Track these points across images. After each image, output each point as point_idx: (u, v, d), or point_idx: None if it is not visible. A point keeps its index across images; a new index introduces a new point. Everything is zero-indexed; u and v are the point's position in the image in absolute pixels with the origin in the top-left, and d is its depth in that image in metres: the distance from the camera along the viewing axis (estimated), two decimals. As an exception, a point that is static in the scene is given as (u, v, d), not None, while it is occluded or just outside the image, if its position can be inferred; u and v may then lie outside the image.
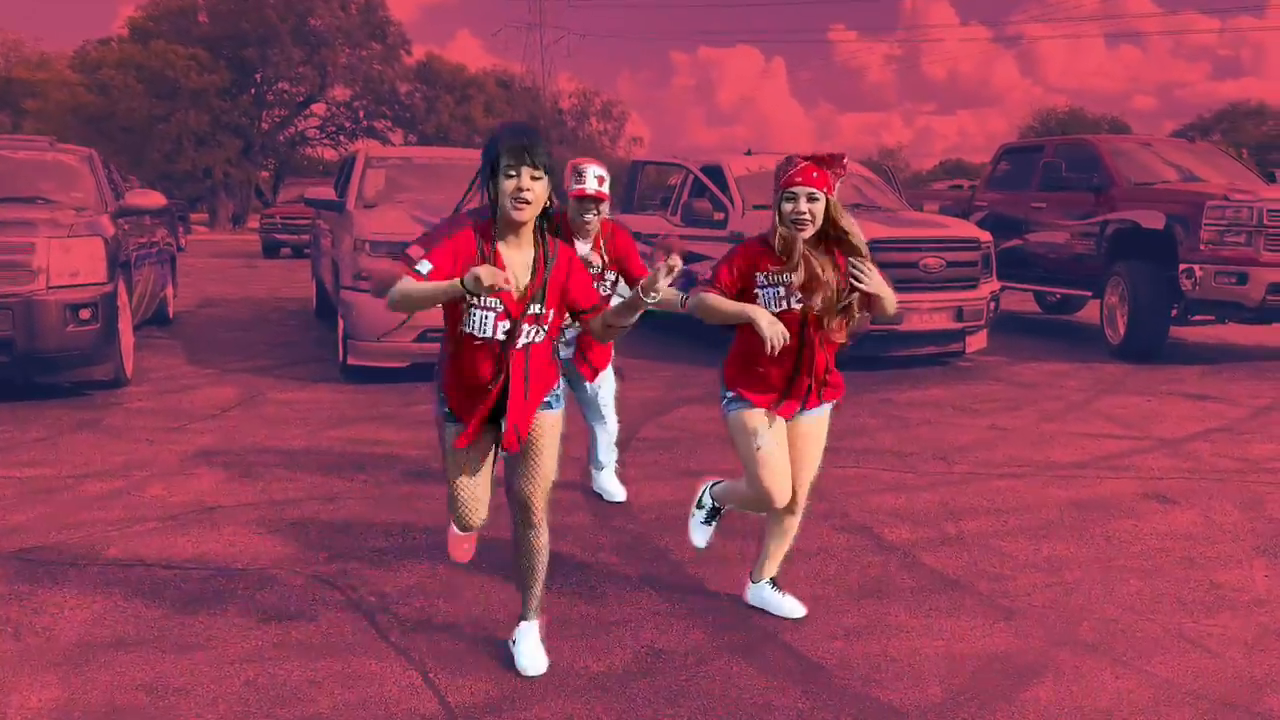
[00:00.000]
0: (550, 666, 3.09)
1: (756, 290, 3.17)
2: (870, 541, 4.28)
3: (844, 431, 6.17)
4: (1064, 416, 6.75)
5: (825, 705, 2.91)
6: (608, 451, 4.78)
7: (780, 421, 3.29)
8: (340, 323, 7.62)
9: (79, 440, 5.73)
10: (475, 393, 2.86)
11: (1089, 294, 9.91)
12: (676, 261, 2.60)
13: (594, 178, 4.32)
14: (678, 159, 10.46)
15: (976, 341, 8.49)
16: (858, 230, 3.29)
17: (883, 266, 7.84)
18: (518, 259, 2.80)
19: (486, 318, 2.76)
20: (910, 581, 3.85)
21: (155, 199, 8.01)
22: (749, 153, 9.87)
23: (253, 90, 41.69)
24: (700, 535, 3.74)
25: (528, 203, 2.70)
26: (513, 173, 2.69)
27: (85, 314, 6.49)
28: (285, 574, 3.80)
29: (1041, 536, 4.36)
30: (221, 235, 35.84)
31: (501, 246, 2.79)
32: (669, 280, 2.63)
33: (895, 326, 7.96)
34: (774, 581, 3.55)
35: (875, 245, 7.65)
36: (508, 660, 3.12)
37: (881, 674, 3.10)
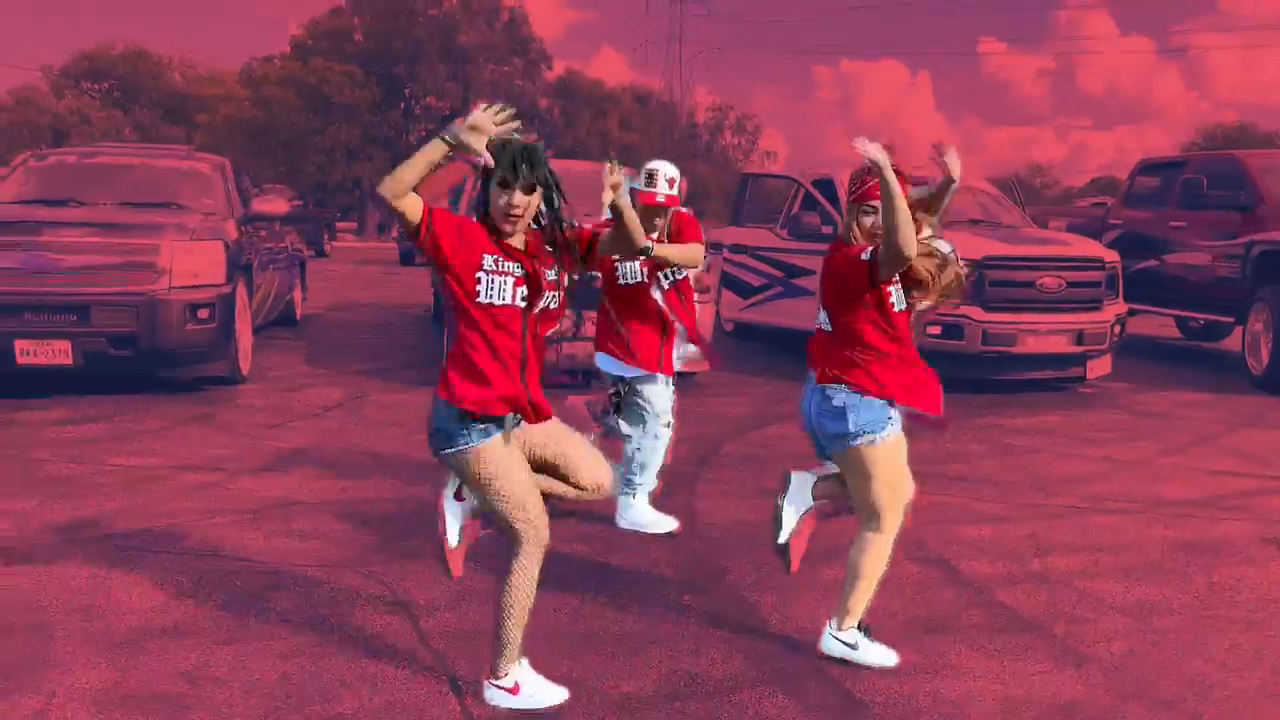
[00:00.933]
0: (580, 681, 3.03)
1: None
2: (944, 574, 4.06)
3: (941, 456, 5.92)
4: (1187, 450, 6.28)
5: (857, 744, 2.75)
6: (651, 472, 4.52)
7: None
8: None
9: (188, 433, 6.01)
10: (499, 374, 2.73)
11: (1231, 320, 9.23)
12: (616, 178, 2.80)
13: (664, 182, 4.33)
14: (789, 172, 10.29)
15: (1099, 367, 8.01)
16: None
17: (996, 285, 7.56)
18: (516, 242, 2.79)
19: (505, 283, 2.73)
20: (978, 619, 3.63)
21: (278, 206, 8.39)
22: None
23: (401, 105, 43.41)
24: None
25: (517, 218, 2.72)
26: (506, 187, 2.69)
27: (204, 313, 6.82)
28: (342, 573, 3.87)
29: (1135, 579, 4.04)
30: (367, 243, 37.37)
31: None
32: (611, 191, 2.79)
33: (1008, 349, 7.60)
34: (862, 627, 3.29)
35: (989, 263, 7.43)
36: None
37: (926, 716, 2.92)
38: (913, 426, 3.28)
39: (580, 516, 4.59)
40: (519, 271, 2.75)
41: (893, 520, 3.23)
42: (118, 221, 6.88)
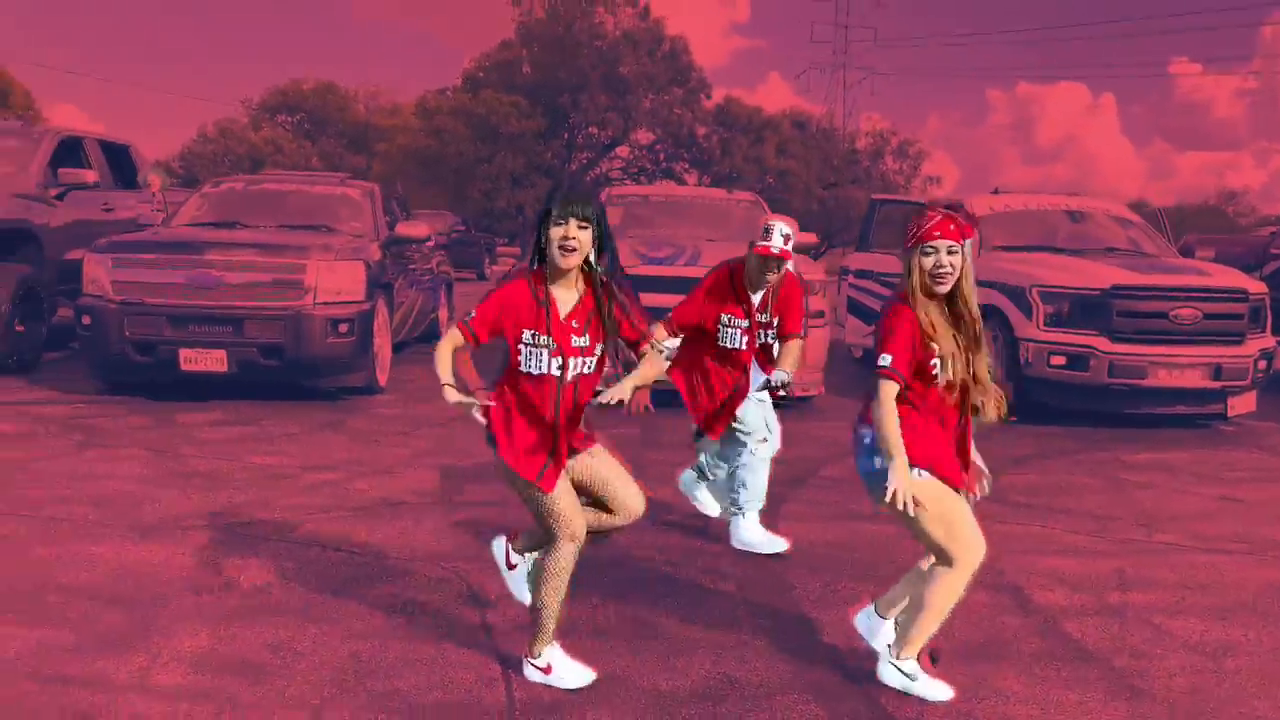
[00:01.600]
0: (621, 676, 3.21)
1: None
2: (1013, 601, 4.02)
3: (1048, 488, 5.79)
4: (1324, 494, 5.90)
5: (875, 754, 2.81)
6: (758, 492, 4.58)
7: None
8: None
9: (321, 438, 6.53)
10: (535, 427, 3.06)
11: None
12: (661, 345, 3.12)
13: (780, 236, 4.31)
14: (918, 198, 10.19)
15: (1242, 404, 7.58)
16: (974, 299, 3.12)
17: (1123, 315, 7.28)
18: (567, 298, 3.04)
19: (543, 355, 3.01)
20: (1036, 647, 3.59)
21: (420, 230, 8.95)
22: (996, 191, 9.44)
23: (565, 135, 44.81)
24: None
25: (573, 250, 2.96)
26: (561, 222, 2.94)
27: (344, 328, 7.38)
28: (428, 567, 4.17)
29: (1219, 619, 3.89)
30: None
31: (554, 289, 3.03)
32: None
33: (1137, 381, 7.30)
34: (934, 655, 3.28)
35: (1116, 293, 7.19)
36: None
37: (952, 733, 2.94)
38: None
39: (662, 527, 4.77)
40: (554, 345, 3.01)
41: (966, 560, 3.09)
42: (271, 242, 7.54)
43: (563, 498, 3.05)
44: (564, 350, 3.02)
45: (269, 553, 4.27)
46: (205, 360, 7.19)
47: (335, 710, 2.96)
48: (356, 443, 6.40)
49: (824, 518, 5.12)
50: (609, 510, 3.20)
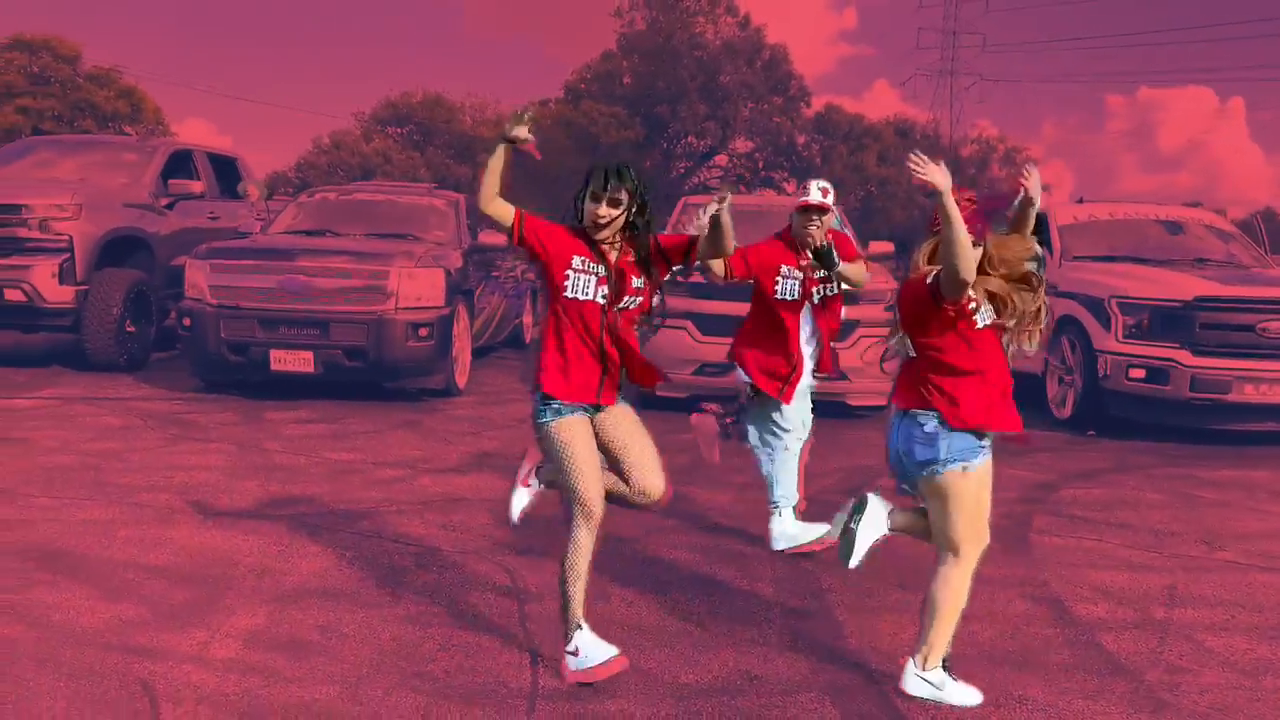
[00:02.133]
0: (645, 669, 3.33)
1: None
2: (1051, 613, 3.99)
3: (1112, 502, 5.69)
4: None
5: (878, 752, 2.87)
6: (790, 485, 4.68)
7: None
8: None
9: (396, 436, 6.82)
10: (576, 363, 3.22)
11: None
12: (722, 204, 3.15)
13: (817, 189, 4.52)
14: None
15: (1339, 422, 7.25)
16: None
17: (1207, 328, 7.06)
18: (610, 251, 3.26)
19: (589, 281, 3.19)
20: (1067, 658, 3.57)
21: (501, 239, 9.21)
22: (1081, 200, 9.24)
23: (664, 144, 45.13)
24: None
25: (604, 225, 3.19)
26: (596, 200, 3.18)
27: (424, 332, 7.69)
28: (477, 560, 4.37)
29: (1268, 638, 3.80)
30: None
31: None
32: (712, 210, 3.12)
33: (1221, 396, 7.07)
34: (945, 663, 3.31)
35: (1200, 304, 6.97)
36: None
37: (960, 736, 2.98)
38: (1003, 447, 3.32)
39: (708, 529, 4.88)
40: (603, 272, 3.20)
41: (971, 553, 3.23)
42: (357, 250, 7.90)
43: (588, 472, 3.20)
44: (616, 278, 3.20)
45: (330, 541, 4.52)
46: (294, 361, 7.58)
47: (368, 687, 3.16)
48: (428, 441, 6.67)
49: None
50: (625, 480, 3.36)
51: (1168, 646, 3.69)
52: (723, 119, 42.91)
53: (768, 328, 4.65)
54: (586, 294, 3.21)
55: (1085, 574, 4.45)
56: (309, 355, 7.56)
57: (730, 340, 4.84)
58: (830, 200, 4.54)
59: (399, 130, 60.38)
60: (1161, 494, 5.97)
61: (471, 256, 8.88)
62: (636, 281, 3.27)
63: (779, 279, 4.59)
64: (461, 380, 8.46)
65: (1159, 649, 3.66)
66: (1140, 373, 7.25)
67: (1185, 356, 7.12)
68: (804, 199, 4.52)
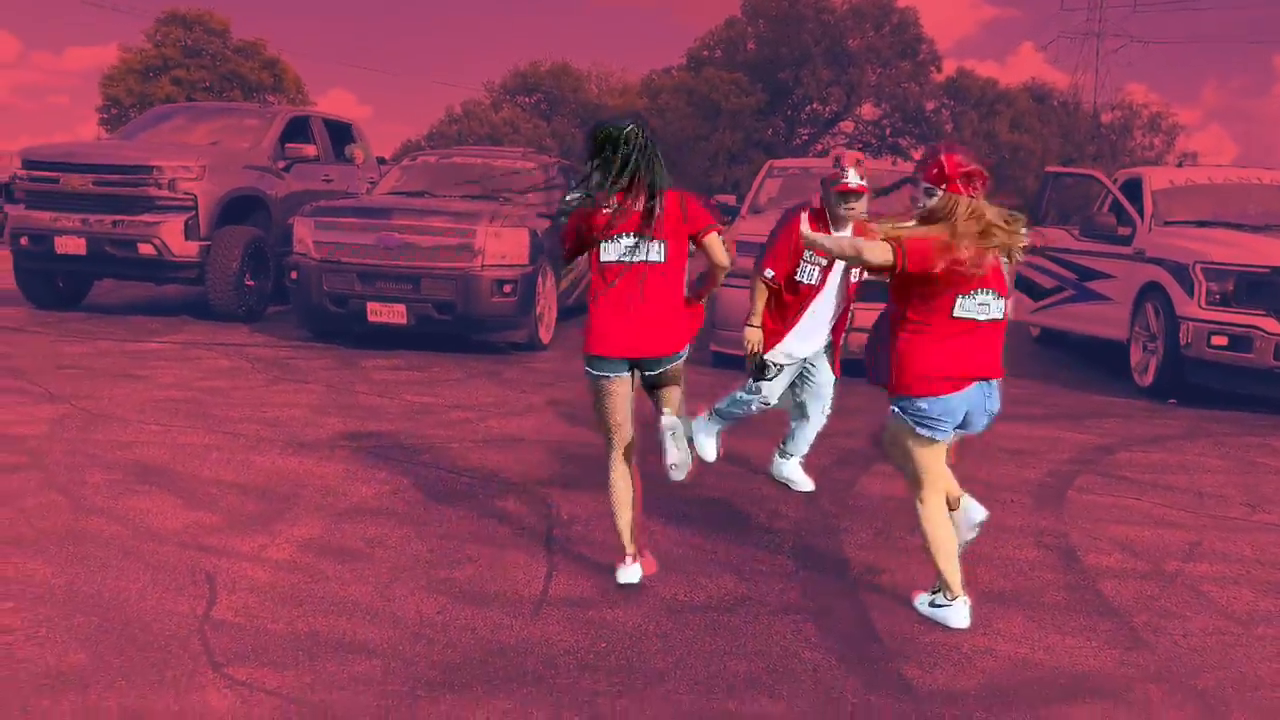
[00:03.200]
0: (647, 588, 3.63)
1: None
2: (1060, 560, 4.10)
3: (1168, 466, 5.66)
4: None
5: (845, 667, 3.10)
6: (807, 444, 4.91)
7: None
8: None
9: (475, 384, 7.27)
10: (611, 324, 3.61)
11: None
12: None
13: (855, 174, 4.53)
14: (1092, 171, 9.77)
15: None
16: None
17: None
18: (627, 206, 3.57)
19: (620, 243, 3.55)
20: (1059, 599, 3.69)
21: (589, 200, 9.56)
22: (1181, 163, 8.94)
23: (788, 110, 44.66)
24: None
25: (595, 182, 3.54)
26: (596, 164, 3.48)
27: (508, 288, 8.11)
28: (521, 490, 4.74)
29: (1274, 593, 3.82)
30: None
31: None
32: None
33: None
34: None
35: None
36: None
37: (925, 656, 3.17)
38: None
39: (745, 474, 5.12)
40: (629, 238, 3.54)
41: (924, 483, 3.59)
42: (448, 210, 8.37)
43: (621, 423, 3.74)
44: (620, 232, 3.54)
45: (393, 470, 4.96)
46: (388, 313, 8.11)
47: (397, 588, 3.56)
48: (503, 388, 7.09)
49: (896, 475, 5.26)
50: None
51: (1167, 595, 3.76)
52: (848, 84, 42.16)
53: (780, 297, 4.79)
54: (617, 255, 3.57)
55: (1108, 528, 4.51)
56: (402, 308, 8.08)
57: None
58: (865, 181, 4.54)
59: (527, 99, 61.36)
60: (1223, 460, 5.88)
61: (560, 218, 9.23)
62: (646, 228, 3.53)
63: (801, 262, 4.68)
64: (546, 336, 8.86)
65: (1157, 596, 3.74)
66: (1223, 340, 7.06)
67: (1270, 324, 6.91)
68: (843, 182, 4.50)
